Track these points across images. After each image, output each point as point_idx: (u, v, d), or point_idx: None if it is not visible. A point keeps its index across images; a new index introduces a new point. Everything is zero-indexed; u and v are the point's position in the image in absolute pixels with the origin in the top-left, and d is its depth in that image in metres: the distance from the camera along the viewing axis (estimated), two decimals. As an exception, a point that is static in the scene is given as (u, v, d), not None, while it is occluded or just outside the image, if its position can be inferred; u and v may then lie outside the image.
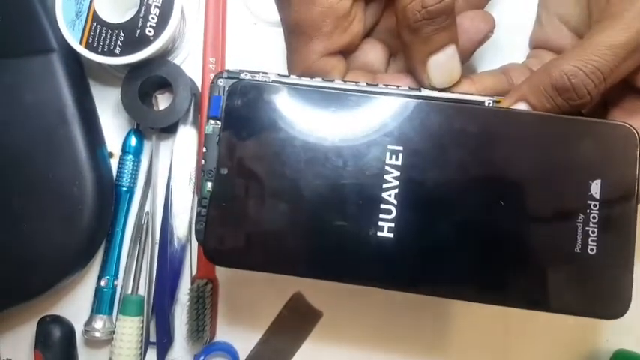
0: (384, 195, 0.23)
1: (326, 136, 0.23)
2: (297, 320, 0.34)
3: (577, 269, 0.23)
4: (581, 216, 0.23)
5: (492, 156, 0.23)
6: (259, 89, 0.24)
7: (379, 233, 0.23)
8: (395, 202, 0.23)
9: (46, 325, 0.33)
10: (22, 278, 0.32)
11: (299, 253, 0.23)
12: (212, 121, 0.26)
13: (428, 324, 0.33)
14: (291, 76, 0.25)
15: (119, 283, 0.34)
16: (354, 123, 0.24)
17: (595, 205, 0.23)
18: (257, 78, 0.26)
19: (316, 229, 0.23)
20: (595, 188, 0.23)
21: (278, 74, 0.26)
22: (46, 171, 0.31)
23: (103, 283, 0.34)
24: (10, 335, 0.34)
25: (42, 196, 0.31)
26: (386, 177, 0.23)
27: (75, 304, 0.34)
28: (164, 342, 0.33)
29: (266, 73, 0.26)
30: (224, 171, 0.24)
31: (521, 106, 0.24)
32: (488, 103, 0.27)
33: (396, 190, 0.23)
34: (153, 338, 0.34)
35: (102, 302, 0.34)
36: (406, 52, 0.25)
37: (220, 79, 0.26)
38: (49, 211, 0.31)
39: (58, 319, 0.34)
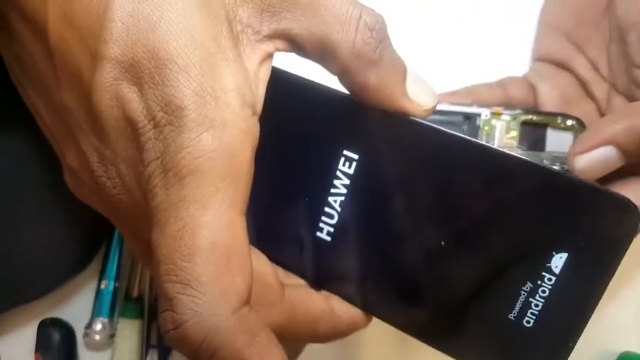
0: (330, 199, 0.22)
1: (287, 130, 0.22)
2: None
3: (505, 335, 0.21)
4: (528, 284, 0.20)
5: (452, 191, 0.21)
6: None
7: (318, 233, 0.22)
8: (338, 209, 0.22)
9: (46, 328, 0.33)
10: (22, 281, 0.32)
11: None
12: None
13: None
14: None
15: (120, 285, 0.34)
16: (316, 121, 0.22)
17: (550, 280, 0.20)
18: None
19: (267, 213, 0.23)
20: (557, 262, 0.20)
21: None
22: (47, 173, 0.31)
23: (103, 286, 0.33)
24: (10, 338, 0.34)
25: (42, 197, 0.31)
26: (335, 182, 0.22)
27: (75, 307, 0.34)
28: (165, 345, 0.33)
29: None
30: None
31: (607, 150, 0.22)
32: (485, 115, 0.26)
33: (342, 198, 0.22)
34: (154, 341, 0.33)
35: (102, 305, 0.33)
36: (378, 94, 0.20)
37: None
38: (50, 213, 0.31)
39: (58, 322, 0.33)
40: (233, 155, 0.17)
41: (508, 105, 0.28)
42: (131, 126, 0.17)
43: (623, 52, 0.26)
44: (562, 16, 0.29)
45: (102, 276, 0.34)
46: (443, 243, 0.21)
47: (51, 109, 0.20)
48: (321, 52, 0.19)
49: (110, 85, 0.17)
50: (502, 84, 0.29)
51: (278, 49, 0.19)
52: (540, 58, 0.30)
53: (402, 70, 0.20)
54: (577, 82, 0.28)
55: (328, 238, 0.22)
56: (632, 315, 0.33)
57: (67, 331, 0.33)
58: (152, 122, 0.17)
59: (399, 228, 0.21)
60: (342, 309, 0.22)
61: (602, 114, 0.27)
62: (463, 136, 0.20)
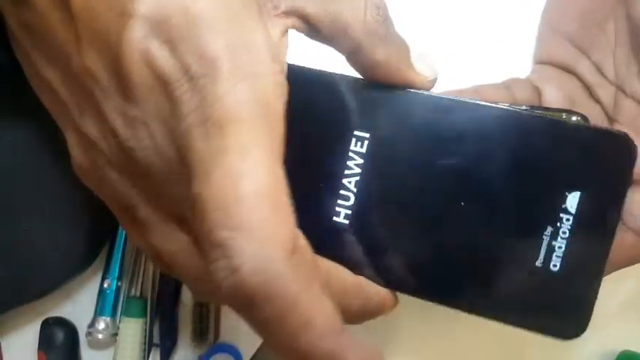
0: (345, 181, 0.22)
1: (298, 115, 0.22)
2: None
3: (535, 284, 0.21)
4: (549, 229, 0.21)
5: (463, 153, 0.22)
6: None
7: (335, 218, 0.22)
8: (354, 190, 0.22)
9: (49, 327, 0.33)
10: (25, 280, 0.31)
11: None
12: None
13: (437, 322, 0.33)
14: None
15: (123, 284, 0.34)
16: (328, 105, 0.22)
17: (568, 219, 0.21)
18: None
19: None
20: (572, 201, 0.21)
21: None
22: (50, 171, 0.31)
23: (106, 285, 0.33)
24: (13, 337, 0.34)
25: (44, 197, 0.31)
26: (348, 163, 0.22)
27: (78, 306, 0.34)
28: (168, 344, 0.33)
29: None
30: None
31: None
32: None
33: (357, 178, 0.22)
34: (157, 340, 0.33)
35: (105, 304, 0.33)
36: (388, 69, 0.21)
37: None
38: (53, 212, 0.31)
39: (61, 321, 0.33)
40: (267, 105, 0.17)
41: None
42: (162, 82, 0.17)
43: (634, 54, 0.26)
44: (565, 20, 0.29)
45: (105, 275, 0.34)
46: (463, 204, 0.22)
47: (67, 77, 0.20)
48: (332, 30, 0.20)
49: (139, 43, 0.17)
50: (507, 85, 0.29)
51: (293, 27, 0.20)
52: (543, 61, 0.30)
53: (406, 46, 0.22)
54: (581, 85, 0.28)
55: (346, 221, 0.22)
56: (632, 314, 0.33)
57: (70, 330, 0.33)
58: (187, 75, 0.17)
59: (417, 198, 0.22)
60: (369, 286, 0.22)
61: (608, 117, 0.27)
62: (468, 99, 0.22)
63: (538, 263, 0.21)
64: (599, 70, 0.28)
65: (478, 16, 0.33)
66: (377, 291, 0.22)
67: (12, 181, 0.31)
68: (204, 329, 0.33)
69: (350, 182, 0.22)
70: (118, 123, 0.19)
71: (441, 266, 0.22)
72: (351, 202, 0.22)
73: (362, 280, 0.22)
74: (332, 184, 0.22)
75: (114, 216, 0.22)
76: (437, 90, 0.27)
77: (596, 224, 0.21)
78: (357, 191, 0.22)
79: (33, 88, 0.22)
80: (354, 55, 0.21)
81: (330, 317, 0.17)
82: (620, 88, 0.27)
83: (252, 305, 0.16)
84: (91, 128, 0.20)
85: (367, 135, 0.22)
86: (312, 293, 0.17)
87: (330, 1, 0.20)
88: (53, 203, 0.31)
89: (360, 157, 0.22)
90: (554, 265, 0.21)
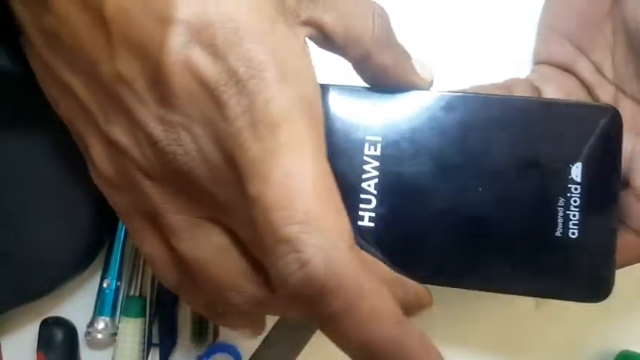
0: (364, 185, 0.23)
1: None
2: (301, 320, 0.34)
3: (558, 253, 0.23)
4: (561, 199, 0.23)
5: (470, 141, 0.23)
6: None
7: (360, 222, 0.23)
8: (374, 192, 0.23)
9: (48, 327, 0.33)
10: (24, 280, 0.31)
11: None
12: None
13: (434, 322, 0.33)
14: None
15: (122, 284, 0.34)
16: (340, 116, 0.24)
17: (576, 189, 0.23)
18: None
19: None
20: (576, 171, 0.23)
21: None
22: (48, 171, 0.31)
23: (105, 285, 0.33)
24: (12, 337, 0.34)
25: (43, 196, 0.31)
26: (364, 167, 0.23)
27: (77, 305, 0.34)
28: (167, 343, 0.33)
29: None
30: None
31: None
32: None
33: (376, 180, 0.23)
34: (156, 340, 0.33)
35: (104, 304, 0.33)
36: (396, 73, 0.23)
37: None
38: (51, 212, 0.31)
39: (60, 321, 0.33)
40: (312, 104, 0.19)
41: None
42: (206, 88, 0.18)
43: (631, 54, 0.26)
44: (564, 20, 0.29)
45: (104, 275, 0.34)
46: (480, 189, 0.23)
47: (92, 83, 0.20)
48: (345, 39, 0.21)
49: (181, 51, 0.17)
50: (507, 85, 0.29)
51: (309, 36, 0.21)
52: (542, 62, 0.30)
53: (407, 51, 0.23)
54: (581, 85, 0.28)
55: (371, 224, 0.23)
56: (632, 313, 0.33)
57: (69, 330, 0.33)
58: (233, 80, 0.17)
59: (436, 190, 0.23)
60: (407, 281, 0.23)
61: None
62: (470, 93, 0.24)
63: (558, 233, 0.23)
64: (599, 70, 0.28)
65: (478, 16, 0.33)
66: (414, 286, 0.23)
67: (13, 182, 0.31)
68: (204, 329, 0.33)
69: (369, 185, 0.23)
70: (157, 129, 0.19)
71: (470, 253, 0.23)
72: (373, 204, 0.23)
73: (400, 276, 0.23)
74: (352, 191, 0.23)
75: (113, 216, 0.22)
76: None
77: (601, 189, 0.23)
78: (378, 193, 0.23)
79: (46, 93, 0.22)
80: (362, 63, 0.22)
81: (394, 305, 0.17)
82: (619, 88, 0.27)
83: (320, 298, 0.17)
84: (121, 135, 0.20)
85: (379, 138, 0.23)
86: (376, 282, 0.17)
87: (342, 13, 0.21)
88: (53, 203, 0.31)
89: (376, 160, 0.23)
90: (573, 233, 0.23)
